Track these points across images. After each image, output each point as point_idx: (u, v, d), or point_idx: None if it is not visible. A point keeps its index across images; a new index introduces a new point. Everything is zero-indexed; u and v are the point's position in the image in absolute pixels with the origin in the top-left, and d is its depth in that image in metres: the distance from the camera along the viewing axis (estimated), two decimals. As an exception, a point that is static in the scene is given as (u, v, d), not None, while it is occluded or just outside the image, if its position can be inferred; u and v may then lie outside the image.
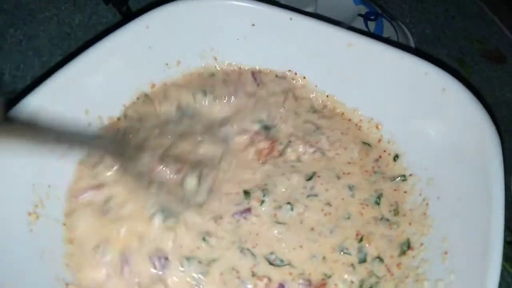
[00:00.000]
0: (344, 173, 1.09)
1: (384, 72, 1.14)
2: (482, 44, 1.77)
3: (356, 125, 1.22)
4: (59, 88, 0.98)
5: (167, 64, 1.21)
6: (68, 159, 0.98)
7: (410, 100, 1.12)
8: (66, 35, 1.45)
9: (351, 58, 1.17)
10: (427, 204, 1.04)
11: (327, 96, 1.25)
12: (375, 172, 1.13)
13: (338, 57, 1.19)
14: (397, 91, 1.14)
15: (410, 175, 1.11)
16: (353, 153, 1.14)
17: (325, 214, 1.00)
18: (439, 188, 1.03)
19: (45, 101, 0.95)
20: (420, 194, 1.06)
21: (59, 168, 0.97)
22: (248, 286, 0.87)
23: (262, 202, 0.95)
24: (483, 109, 1.00)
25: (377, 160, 1.15)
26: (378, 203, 1.06)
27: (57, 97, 0.97)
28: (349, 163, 1.12)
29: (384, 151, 1.17)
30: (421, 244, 0.99)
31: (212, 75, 1.24)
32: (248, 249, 0.90)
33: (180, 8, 1.17)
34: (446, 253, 0.92)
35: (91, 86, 1.05)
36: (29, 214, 0.88)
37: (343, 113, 1.25)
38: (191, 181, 0.94)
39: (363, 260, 0.96)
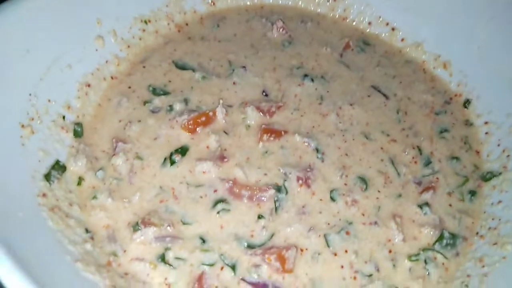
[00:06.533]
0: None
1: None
2: None
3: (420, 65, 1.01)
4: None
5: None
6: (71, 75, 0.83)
7: (487, 32, 0.90)
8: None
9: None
10: (508, 156, 0.83)
11: (386, 24, 1.04)
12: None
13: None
14: (472, 21, 0.92)
15: (486, 123, 0.90)
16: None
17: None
18: (526, 136, 0.82)
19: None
20: (498, 145, 0.86)
21: (61, 82, 0.81)
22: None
23: None
24: None
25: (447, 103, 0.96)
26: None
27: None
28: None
29: (455, 95, 0.96)
30: (499, 202, 0.78)
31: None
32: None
33: None
34: (536, 214, 0.71)
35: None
36: (22, 126, 0.73)
37: (400, 51, 1.04)
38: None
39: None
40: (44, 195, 0.69)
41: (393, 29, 1.04)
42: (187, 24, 1.05)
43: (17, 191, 0.65)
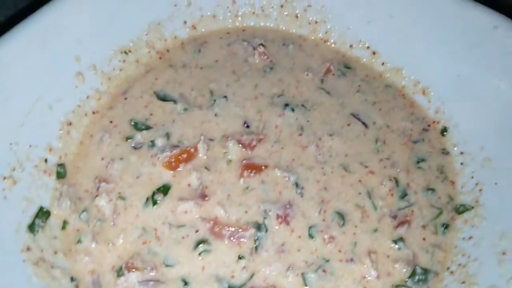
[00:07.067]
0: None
1: (438, 25, 0.93)
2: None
3: (399, 91, 1.02)
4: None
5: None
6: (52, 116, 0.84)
7: (469, 60, 0.91)
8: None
9: (394, 6, 0.96)
10: (480, 190, 0.85)
11: (367, 47, 1.05)
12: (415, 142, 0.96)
13: (380, 4, 0.98)
14: (453, 49, 0.93)
15: (461, 153, 0.92)
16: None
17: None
18: (498, 172, 0.84)
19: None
20: (472, 177, 0.88)
21: (42, 124, 0.82)
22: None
23: None
24: None
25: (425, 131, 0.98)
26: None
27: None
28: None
29: (433, 122, 0.98)
30: (470, 238, 0.82)
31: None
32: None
33: None
34: (504, 253, 0.75)
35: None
36: (4, 178, 0.74)
37: (381, 75, 1.05)
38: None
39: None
40: (28, 249, 0.71)
41: (374, 53, 1.04)
42: (168, 51, 1.05)
43: (1, 250, 0.67)
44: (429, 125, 0.98)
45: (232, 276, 0.78)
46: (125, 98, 0.97)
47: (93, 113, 0.93)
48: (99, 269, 0.77)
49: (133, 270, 0.76)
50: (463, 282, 0.76)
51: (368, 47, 1.05)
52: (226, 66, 1.04)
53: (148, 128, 0.92)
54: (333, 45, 1.08)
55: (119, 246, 0.79)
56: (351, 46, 1.06)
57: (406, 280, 0.79)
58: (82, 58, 0.89)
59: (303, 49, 1.08)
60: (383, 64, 1.04)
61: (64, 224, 0.80)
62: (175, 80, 1.00)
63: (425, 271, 0.80)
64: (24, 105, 0.80)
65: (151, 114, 0.95)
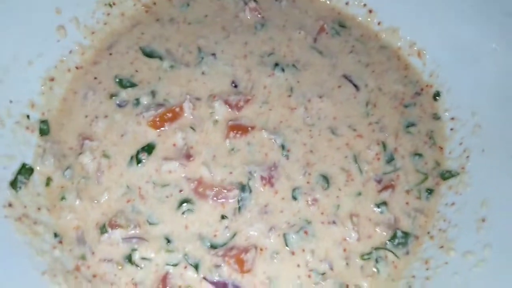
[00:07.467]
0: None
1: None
2: None
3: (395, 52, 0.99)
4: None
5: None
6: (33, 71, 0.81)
7: (468, 22, 0.87)
8: None
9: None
10: (467, 156, 0.85)
11: (364, 5, 1.00)
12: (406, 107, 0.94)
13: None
14: (452, 9, 0.88)
15: (452, 119, 0.90)
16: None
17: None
18: (487, 139, 0.83)
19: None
20: (460, 144, 0.87)
21: (23, 80, 0.80)
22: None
23: None
24: None
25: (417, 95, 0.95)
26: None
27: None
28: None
29: (427, 85, 0.95)
30: (453, 204, 0.82)
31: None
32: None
33: None
34: (483, 220, 0.75)
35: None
36: (-17, 134, 0.73)
37: (376, 35, 1.01)
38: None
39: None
40: (10, 205, 0.72)
41: (370, 11, 1.00)
42: (155, 4, 1.00)
43: (-18, 206, 0.67)
44: (422, 89, 0.96)
45: (215, 235, 0.79)
46: (110, 54, 0.94)
47: (77, 68, 0.91)
48: (83, 226, 0.78)
49: (117, 227, 0.77)
50: (442, 247, 0.77)
51: (364, 5, 1.00)
52: (215, 21, 1.00)
53: (133, 85, 0.90)
54: (328, 2, 1.03)
55: (103, 203, 0.80)
56: (347, 3, 1.02)
57: (386, 242, 0.81)
58: (63, 10, 0.86)
59: (297, 6, 1.04)
60: (379, 23, 1.00)
61: (48, 181, 0.81)
62: (162, 35, 0.97)
63: (406, 235, 0.81)
64: (2, 60, 0.78)
65: (136, 71, 0.92)
